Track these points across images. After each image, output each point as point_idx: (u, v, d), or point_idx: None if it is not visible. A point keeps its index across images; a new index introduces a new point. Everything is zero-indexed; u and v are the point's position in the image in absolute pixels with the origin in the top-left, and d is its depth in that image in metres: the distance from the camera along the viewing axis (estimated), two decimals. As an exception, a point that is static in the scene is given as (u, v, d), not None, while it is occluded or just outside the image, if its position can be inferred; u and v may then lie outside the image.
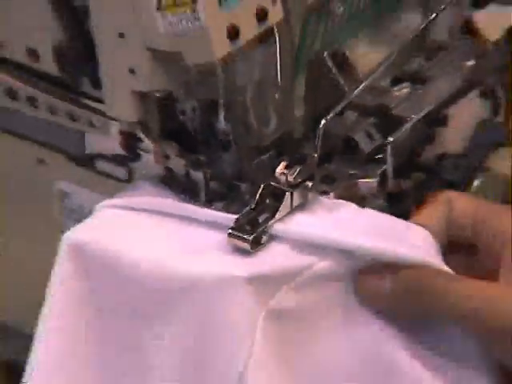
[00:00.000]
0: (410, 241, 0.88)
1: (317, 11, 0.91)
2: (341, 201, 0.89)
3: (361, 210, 0.89)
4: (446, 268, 0.86)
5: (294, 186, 0.85)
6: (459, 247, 0.90)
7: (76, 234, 0.86)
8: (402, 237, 0.88)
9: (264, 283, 0.82)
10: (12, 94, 0.93)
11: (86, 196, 0.91)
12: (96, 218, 0.88)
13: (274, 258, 0.84)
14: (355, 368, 0.90)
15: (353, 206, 0.89)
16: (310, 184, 0.86)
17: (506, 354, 0.84)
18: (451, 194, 0.92)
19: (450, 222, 0.89)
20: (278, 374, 0.87)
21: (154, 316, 0.87)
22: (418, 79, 0.93)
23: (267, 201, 0.86)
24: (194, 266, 0.83)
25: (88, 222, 0.88)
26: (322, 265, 0.85)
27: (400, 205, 0.93)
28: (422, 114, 0.89)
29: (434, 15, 0.94)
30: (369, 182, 0.90)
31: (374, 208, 0.92)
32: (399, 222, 0.89)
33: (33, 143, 0.93)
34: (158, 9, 0.82)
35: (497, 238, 0.86)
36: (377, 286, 0.87)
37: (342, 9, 0.92)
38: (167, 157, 0.89)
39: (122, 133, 0.89)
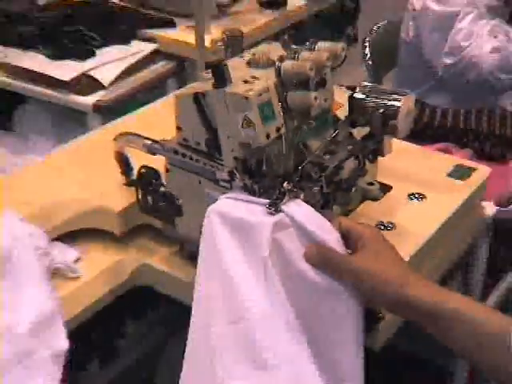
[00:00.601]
0: (329, 231, 0.84)
1: (296, 128, 0.91)
2: (301, 201, 0.86)
3: (309, 207, 0.86)
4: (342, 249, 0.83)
5: (290, 191, 0.85)
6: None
7: (213, 206, 0.86)
8: (326, 229, 0.84)
9: (275, 227, 0.82)
10: (190, 157, 0.92)
11: (216, 194, 0.90)
12: (219, 201, 0.87)
13: (280, 218, 0.83)
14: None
15: (305, 205, 0.86)
16: (295, 190, 0.85)
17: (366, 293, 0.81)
18: (341, 218, 0.88)
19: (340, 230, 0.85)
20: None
21: (241, 239, 0.84)
22: (332, 153, 0.91)
23: (280, 196, 0.84)
24: (252, 218, 0.84)
25: (217, 202, 0.87)
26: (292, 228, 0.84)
27: (327, 197, 0.90)
28: (334, 165, 0.89)
29: (337, 131, 0.94)
30: (316, 189, 0.88)
31: (317, 199, 0.89)
32: (325, 221, 0.85)
33: (197, 174, 0.93)
34: (241, 127, 0.84)
35: (357, 238, 0.83)
36: (311, 251, 0.83)
37: (306, 127, 0.91)
38: (244, 180, 0.88)
39: (228, 172, 0.89)
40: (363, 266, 0.81)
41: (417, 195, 1.08)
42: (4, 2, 2.76)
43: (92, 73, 1.77)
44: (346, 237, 0.85)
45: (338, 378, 0.83)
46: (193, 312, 0.88)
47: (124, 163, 1.08)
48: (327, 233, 0.85)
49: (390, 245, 0.86)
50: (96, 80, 1.76)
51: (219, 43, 1.00)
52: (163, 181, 0.99)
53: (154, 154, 0.99)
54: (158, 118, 1.27)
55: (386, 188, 1.08)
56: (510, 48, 1.71)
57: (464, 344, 0.77)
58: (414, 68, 1.89)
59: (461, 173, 1.14)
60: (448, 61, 1.74)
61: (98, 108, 1.72)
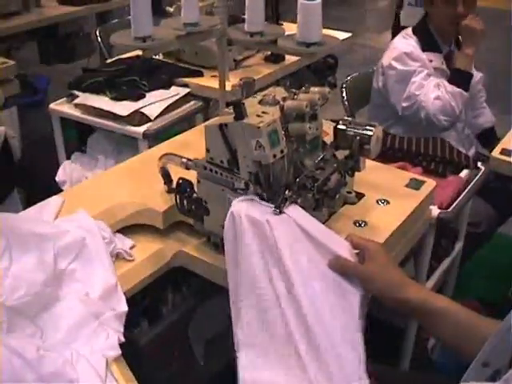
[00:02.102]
0: (319, 227, 0.82)
1: (295, 150, 0.89)
2: (297, 205, 0.84)
3: (302, 210, 0.83)
4: (355, 260, 0.81)
5: (290, 197, 0.83)
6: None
7: (234, 209, 0.83)
8: (315, 225, 0.82)
9: (279, 224, 0.80)
10: (215, 171, 0.91)
11: (233, 198, 0.86)
12: (234, 203, 0.84)
13: (282, 217, 0.81)
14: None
15: (300, 208, 0.84)
16: (294, 197, 0.84)
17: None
18: (351, 235, 0.84)
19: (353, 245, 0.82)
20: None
21: (254, 232, 0.80)
22: (321, 169, 0.90)
23: (283, 201, 0.82)
24: (261, 216, 0.80)
25: (234, 204, 0.84)
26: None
27: (318, 202, 0.89)
28: (323, 178, 0.88)
29: (325, 153, 0.92)
30: (310, 196, 0.86)
31: (311, 204, 0.87)
32: (313, 218, 0.82)
33: (221, 185, 0.90)
34: (255, 149, 0.82)
35: (364, 251, 0.81)
36: (332, 261, 0.79)
37: (302, 150, 0.90)
38: (256, 189, 0.86)
39: (244, 182, 0.86)
40: (371, 273, 0.78)
41: (383, 201, 1.06)
42: (84, 61, 2.82)
43: (142, 110, 1.76)
44: (356, 249, 0.83)
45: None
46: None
47: (166, 176, 1.06)
48: (317, 228, 0.82)
49: (389, 256, 0.83)
50: (145, 115, 1.75)
51: (237, 87, 0.98)
52: (195, 189, 0.98)
53: (188, 169, 0.97)
54: (189, 143, 1.26)
55: (360, 195, 1.06)
56: (447, 98, 1.71)
57: (445, 333, 0.75)
58: (381, 108, 1.89)
59: (415, 184, 1.13)
60: (405, 104, 1.75)
61: (146, 135, 1.71)
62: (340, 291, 0.77)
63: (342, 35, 2.21)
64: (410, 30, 1.84)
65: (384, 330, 1.48)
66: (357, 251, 0.82)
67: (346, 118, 0.96)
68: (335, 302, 0.76)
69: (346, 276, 0.78)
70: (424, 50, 1.78)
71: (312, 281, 0.77)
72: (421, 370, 1.54)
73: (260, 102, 0.90)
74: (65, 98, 1.89)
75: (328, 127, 0.97)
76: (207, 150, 0.91)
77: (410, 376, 1.13)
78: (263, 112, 0.86)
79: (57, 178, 1.86)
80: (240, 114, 0.83)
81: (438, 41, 1.81)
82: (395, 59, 1.77)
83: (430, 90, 1.71)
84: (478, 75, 1.89)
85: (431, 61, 1.77)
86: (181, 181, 0.98)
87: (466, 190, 1.40)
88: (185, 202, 0.99)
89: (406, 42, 1.80)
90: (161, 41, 1.06)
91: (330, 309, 0.75)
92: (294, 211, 0.83)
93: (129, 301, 0.89)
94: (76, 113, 1.82)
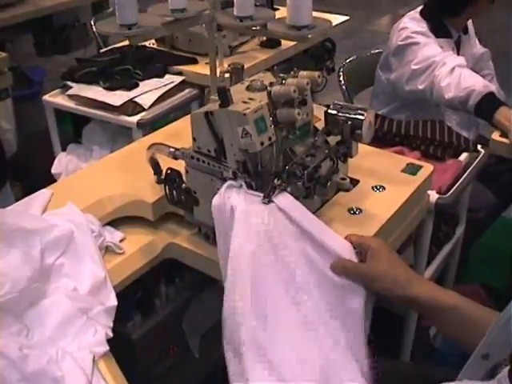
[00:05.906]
0: (309, 217, 0.79)
1: (284, 137, 0.86)
2: (287, 193, 0.81)
3: (292, 198, 0.81)
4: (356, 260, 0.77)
5: (279, 186, 0.81)
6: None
7: (224, 200, 0.81)
8: (304, 213, 0.79)
9: (268, 213, 0.78)
10: (203, 161, 0.89)
11: (221, 186, 0.84)
12: (220, 191, 0.83)
13: (272, 207, 0.78)
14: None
15: (290, 196, 0.81)
16: (284, 185, 0.81)
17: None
18: (350, 235, 0.81)
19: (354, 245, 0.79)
20: None
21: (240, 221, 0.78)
22: (312, 155, 0.87)
23: (272, 190, 0.80)
24: (250, 205, 0.79)
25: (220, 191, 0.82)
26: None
27: (309, 190, 0.86)
28: (314, 165, 0.84)
29: (316, 139, 0.89)
30: (300, 184, 0.83)
31: (301, 192, 0.85)
32: (303, 207, 0.80)
33: (209, 174, 0.88)
34: (241, 137, 0.79)
35: (366, 249, 0.78)
36: (335, 263, 0.75)
37: (291, 136, 0.87)
38: (245, 177, 0.83)
39: (232, 171, 0.84)
40: (377, 272, 0.75)
41: (378, 187, 1.03)
42: (80, 52, 2.79)
43: (136, 99, 1.74)
44: (357, 248, 0.79)
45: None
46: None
47: (155, 166, 1.03)
48: (309, 220, 0.79)
49: (393, 252, 0.80)
50: (139, 104, 1.73)
51: (226, 74, 0.95)
52: (184, 179, 0.95)
53: (176, 159, 0.95)
54: (182, 131, 1.21)
55: (354, 182, 1.04)
56: (463, 73, 1.57)
57: (455, 329, 0.73)
58: (385, 94, 1.82)
59: (411, 169, 1.10)
60: (416, 67, 1.64)
61: (140, 125, 1.69)
62: (340, 293, 0.74)
63: (339, 18, 2.16)
64: (417, 14, 1.75)
65: (384, 317, 1.46)
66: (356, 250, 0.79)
67: (337, 102, 0.92)
68: (333, 307, 0.73)
69: (349, 277, 0.75)
70: (436, 36, 1.70)
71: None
72: (423, 357, 1.52)
73: (247, 88, 0.87)
74: (58, 90, 1.86)
75: (320, 112, 0.94)
76: (194, 139, 0.89)
77: (411, 368, 1.10)
78: (250, 98, 0.83)
79: (52, 170, 1.84)
80: (225, 100, 0.80)
81: (449, 27, 1.74)
82: (408, 37, 1.67)
83: (449, 62, 1.59)
84: (480, 50, 1.82)
85: (442, 47, 1.69)
86: (169, 171, 0.96)
87: (466, 174, 1.37)
88: (174, 192, 0.96)
89: (417, 23, 1.72)
90: (147, 28, 1.03)
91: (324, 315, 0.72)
92: (283, 200, 0.80)
93: (121, 294, 0.87)
94: (70, 104, 1.80)
